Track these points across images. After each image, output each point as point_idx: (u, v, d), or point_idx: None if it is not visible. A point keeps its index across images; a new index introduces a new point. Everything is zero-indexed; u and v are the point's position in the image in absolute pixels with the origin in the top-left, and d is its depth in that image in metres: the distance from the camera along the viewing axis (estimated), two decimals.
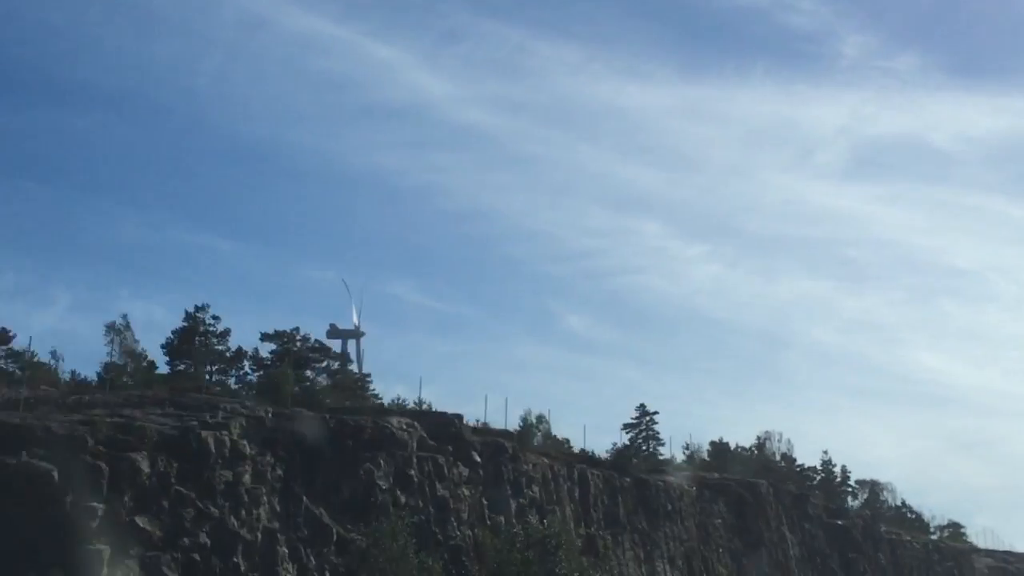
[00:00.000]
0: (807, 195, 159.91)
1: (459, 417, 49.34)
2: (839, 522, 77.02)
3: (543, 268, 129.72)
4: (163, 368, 47.03)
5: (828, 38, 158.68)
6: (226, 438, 36.40)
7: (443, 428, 47.49)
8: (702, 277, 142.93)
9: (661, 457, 68.15)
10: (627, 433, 67.29)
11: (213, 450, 35.81)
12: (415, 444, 44.73)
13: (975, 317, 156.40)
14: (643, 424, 67.73)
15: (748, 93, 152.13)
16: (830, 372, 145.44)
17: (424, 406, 51.01)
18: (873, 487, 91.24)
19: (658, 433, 68.06)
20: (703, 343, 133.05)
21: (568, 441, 61.32)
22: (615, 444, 66.03)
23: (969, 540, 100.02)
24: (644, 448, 67.38)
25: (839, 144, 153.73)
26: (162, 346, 47.29)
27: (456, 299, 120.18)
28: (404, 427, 44.69)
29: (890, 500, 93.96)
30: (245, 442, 37.04)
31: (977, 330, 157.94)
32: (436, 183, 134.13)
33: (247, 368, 48.95)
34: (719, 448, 77.64)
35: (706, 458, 74.71)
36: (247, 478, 36.38)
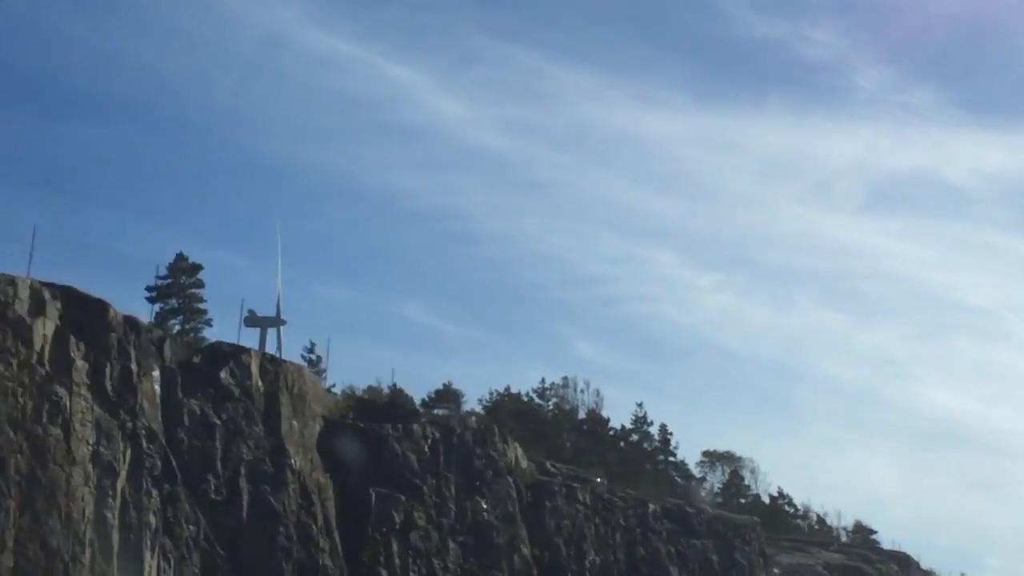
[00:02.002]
0: (822, 227, 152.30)
1: None
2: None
3: (554, 293, 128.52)
4: None
5: (845, 70, 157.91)
6: None
7: None
8: (714, 307, 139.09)
9: None
10: None
11: None
12: None
13: (988, 355, 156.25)
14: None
15: (763, 123, 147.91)
16: (840, 405, 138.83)
17: None
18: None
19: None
20: (714, 373, 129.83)
21: None
22: None
23: None
24: None
25: (854, 177, 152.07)
26: None
27: (466, 321, 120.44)
28: None
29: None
30: None
31: (990, 368, 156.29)
32: (449, 205, 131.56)
33: None
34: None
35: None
36: None
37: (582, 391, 71.16)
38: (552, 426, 65.97)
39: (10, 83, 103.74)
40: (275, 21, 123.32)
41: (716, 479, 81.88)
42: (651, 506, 55.04)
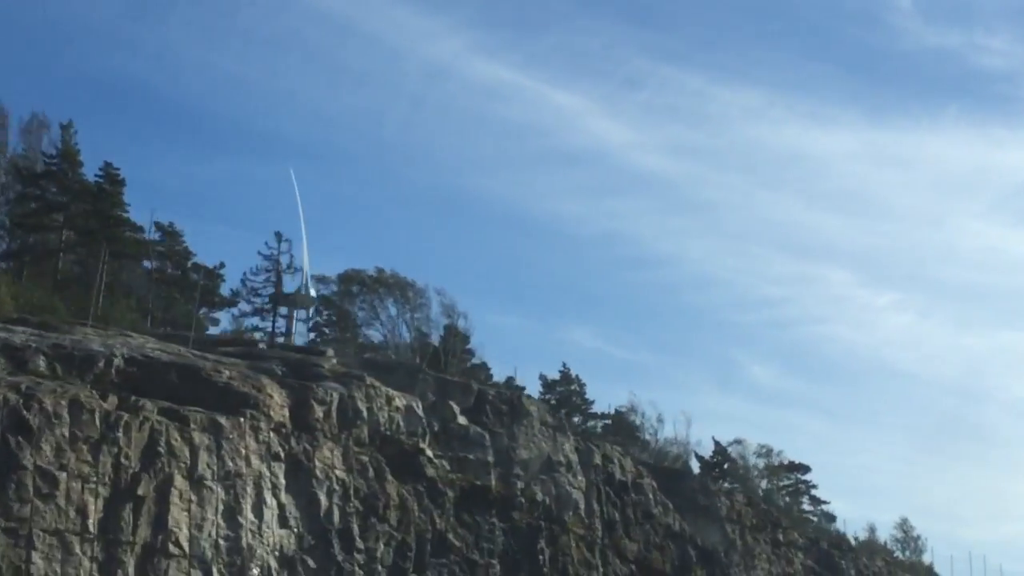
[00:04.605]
0: (1005, 243, 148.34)
1: None
2: None
3: (725, 316, 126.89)
4: None
5: None
6: None
7: None
8: (892, 327, 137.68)
9: None
10: None
11: None
12: None
13: None
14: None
15: (939, 137, 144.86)
16: None
17: None
18: None
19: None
20: (893, 396, 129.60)
21: None
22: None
23: None
24: None
25: None
26: None
27: (636, 346, 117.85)
28: None
29: None
30: None
31: None
32: (615, 229, 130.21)
33: None
34: None
35: None
36: None
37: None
38: None
39: (187, 125, 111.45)
40: (440, 53, 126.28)
41: None
42: None
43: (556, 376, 62.76)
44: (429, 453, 41.25)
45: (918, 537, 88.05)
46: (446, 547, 40.60)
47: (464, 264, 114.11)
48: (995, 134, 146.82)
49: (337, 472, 36.98)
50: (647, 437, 64.38)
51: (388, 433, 39.81)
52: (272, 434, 35.17)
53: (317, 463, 36.25)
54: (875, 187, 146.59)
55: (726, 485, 64.74)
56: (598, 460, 50.06)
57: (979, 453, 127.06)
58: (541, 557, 44.57)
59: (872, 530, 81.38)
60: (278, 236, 53.46)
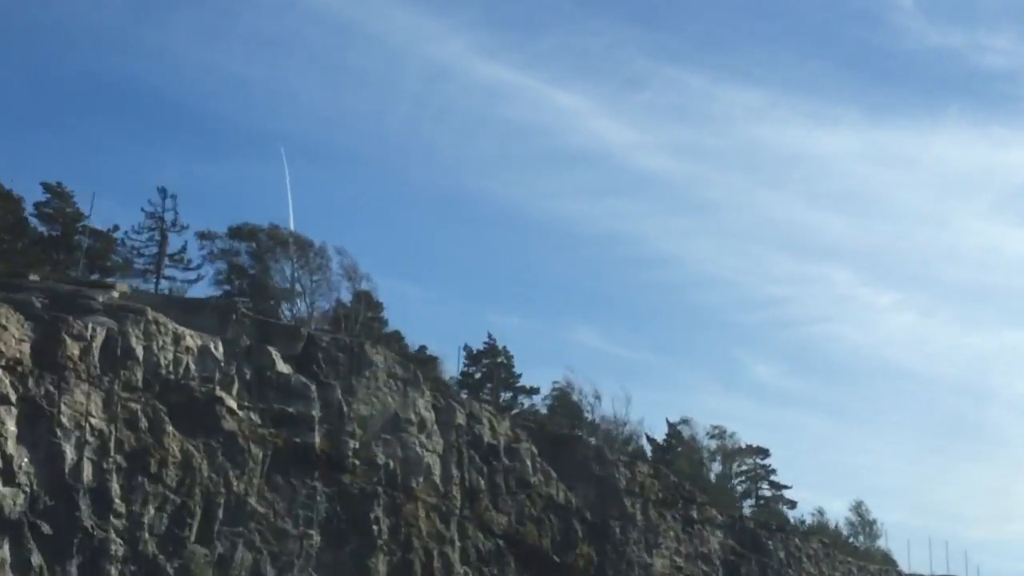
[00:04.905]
0: (1007, 242, 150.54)
1: None
2: None
3: (728, 316, 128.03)
4: None
5: None
6: None
7: None
8: (895, 327, 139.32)
9: None
10: None
11: None
12: None
13: None
14: None
15: (941, 137, 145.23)
16: None
17: None
18: None
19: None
20: (897, 395, 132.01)
21: None
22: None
23: None
24: None
25: None
26: None
27: (640, 346, 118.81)
28: None
29: None
30: None
31: None
32: (618, 230, 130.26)
33: None
34: None
35: None
36: None
37: None
38: None
39: (189, 126, 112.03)
40: (441, 54, 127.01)
41: None
42: None
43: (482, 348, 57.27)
44: (231, 403, 35.16)
45: (874, 521, 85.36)
46: (246, 514, 34.57)
47: (466, 265, 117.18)
48: (997, 134, 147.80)
49: (93, 421, 30.91)
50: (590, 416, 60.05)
51: (173, 378, 33.72)
52: (2, 372, 29.07)
53: (64, 409, 30.20)
54: (877, 187, 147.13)
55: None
56: (461, 420, 43.99)
57: (983, 452, 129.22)
58: (376, 527, 38.56)
59: (820, 513, 78.65)
60: (162, 192, 48.12)
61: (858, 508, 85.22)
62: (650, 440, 64.68)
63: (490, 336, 57.31)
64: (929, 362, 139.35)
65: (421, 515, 40.58)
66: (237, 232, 52.55)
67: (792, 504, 75.11)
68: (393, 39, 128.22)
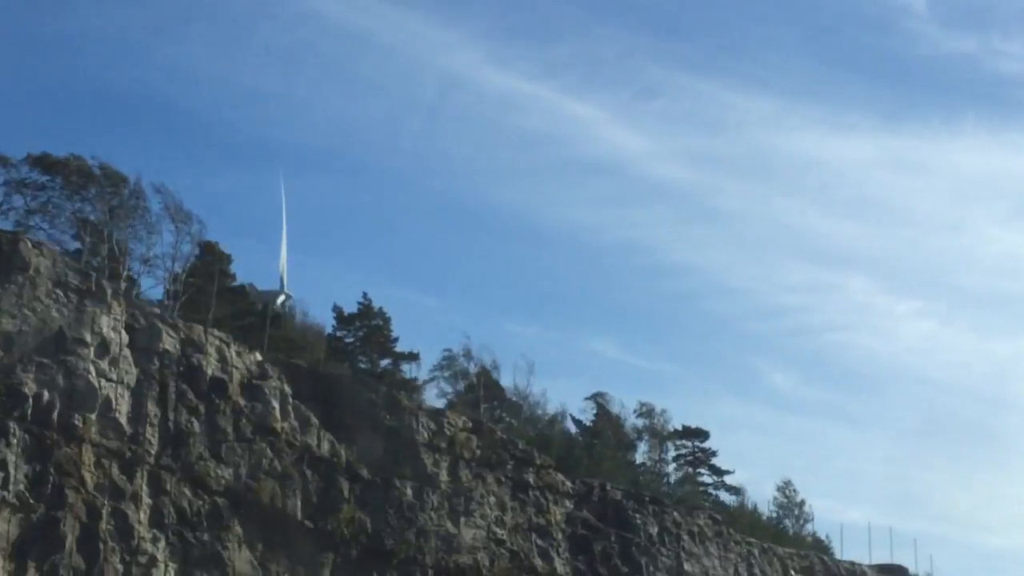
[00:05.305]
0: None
1: None
2: None
3: (744, 325, 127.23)
4: None
5: None
6: None
7: None
8: (913, 334, 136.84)
9: None
10: None
11: None
12: None
13: None
14: None
15: (957, 143, 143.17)
16: None
17: None
18: None
19: None
20: (915, 403, 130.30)
21: None
22: None
23: None
24: None
25: None
26: None
27: (655, 355, 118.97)
28: None
29: None
30: None
31: None
32: (633, 238, 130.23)
33: None
34: None
35: None
36: None
37: None
38: None
39: (204, 137, 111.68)
40: (455, 64, 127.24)
41: None
42: None
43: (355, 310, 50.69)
44: None
45: (802, 503, 77.91)
46: None
47: (482, 275, 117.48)
48: (1013, 139, 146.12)
49: None
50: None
51: None
52: None
53: None
54: (893, 194, 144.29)
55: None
56: (169, 346, 35.08)
57: (1001, 460, 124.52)
58: (4, 474, 29.69)
59: (740, 492, 70.85)
60: None
61: (785, 489, 77.38)
62: (575, 420, 60.57)
63: (365, 296, 51.78)
64: (947, 370, 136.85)
65: (87, 462, 31.72)
66: (36, 160, 43.40)
67: (736, 491, 69.33)
68: (407, 50, 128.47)
